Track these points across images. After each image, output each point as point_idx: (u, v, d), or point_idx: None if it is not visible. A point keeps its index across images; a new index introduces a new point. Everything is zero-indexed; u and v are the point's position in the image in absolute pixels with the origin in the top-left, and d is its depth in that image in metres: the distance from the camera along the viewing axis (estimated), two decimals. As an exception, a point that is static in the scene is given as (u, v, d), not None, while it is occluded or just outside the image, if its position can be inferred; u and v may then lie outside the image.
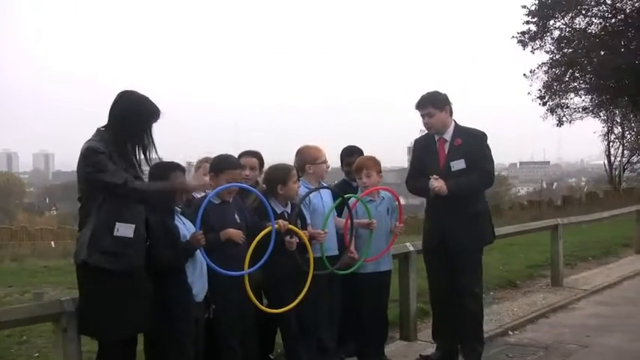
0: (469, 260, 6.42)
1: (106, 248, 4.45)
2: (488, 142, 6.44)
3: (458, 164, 6.25)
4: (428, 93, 6.43)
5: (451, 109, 6.42)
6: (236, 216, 5.36)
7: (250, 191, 5.59)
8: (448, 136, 6.36)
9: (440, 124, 6.35)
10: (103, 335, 4.65)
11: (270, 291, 5.79)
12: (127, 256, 4.50)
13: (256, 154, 6.24)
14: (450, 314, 6.57)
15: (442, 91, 6.45)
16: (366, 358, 6.38)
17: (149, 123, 4.75)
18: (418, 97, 6.44)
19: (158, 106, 4.79)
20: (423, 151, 6.56)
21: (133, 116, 4.68)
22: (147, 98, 4.76)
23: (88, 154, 4.53)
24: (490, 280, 10.24)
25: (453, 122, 6.43)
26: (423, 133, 6.70)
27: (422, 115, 6.38)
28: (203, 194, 5.47)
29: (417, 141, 6.77)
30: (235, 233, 5.24)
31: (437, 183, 6.13)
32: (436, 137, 6.43)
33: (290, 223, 5.46)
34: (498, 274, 10.89)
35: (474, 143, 6.34)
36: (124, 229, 4.51)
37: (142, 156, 4.82)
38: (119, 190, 4.48)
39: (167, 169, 4.96)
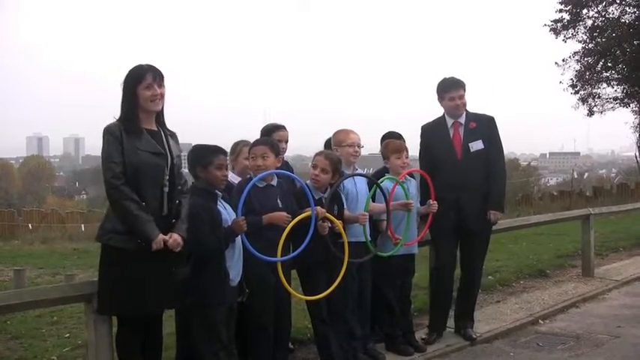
0: (482, 241, 6.67)
1: (114, 227, 4.44)
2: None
3: (476, 145, 6.43)
4: (454, 77, 6.56)
5: None
6: (278, 200, 5.33)
7: (295, 179, 5.60)
8: (463, 119, 6.51)
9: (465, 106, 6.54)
10: (110, 311, 4.64)
11: (303, 277, 5.78)
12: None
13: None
14: (449, 293, 6.82)
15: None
16: (394, 342, 6.36)
17: (131, 85, 4.58)
18: (443, 80, 6.55)
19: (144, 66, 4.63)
20: (435, 137, 6.64)
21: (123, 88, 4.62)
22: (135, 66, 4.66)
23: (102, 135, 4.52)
24: (520, 269, 10.22)
25: None
26: (432, 119, 6.73)
27: (452, 97, 6.46)
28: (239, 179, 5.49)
29: (425, 127, 6.75)
30: (279, 216, 5.18)
31: (494, 217, 6.44)
32: (449, 122, 6.55)
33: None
34: (528, 263, 10.87)
35: (486, 126, 6.54)
36: None
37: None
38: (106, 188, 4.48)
39: (209, 153, 4.92)
